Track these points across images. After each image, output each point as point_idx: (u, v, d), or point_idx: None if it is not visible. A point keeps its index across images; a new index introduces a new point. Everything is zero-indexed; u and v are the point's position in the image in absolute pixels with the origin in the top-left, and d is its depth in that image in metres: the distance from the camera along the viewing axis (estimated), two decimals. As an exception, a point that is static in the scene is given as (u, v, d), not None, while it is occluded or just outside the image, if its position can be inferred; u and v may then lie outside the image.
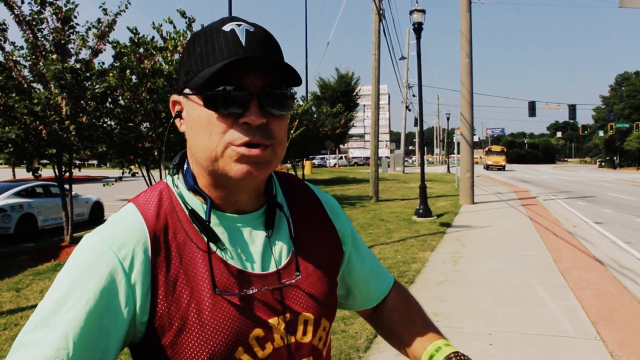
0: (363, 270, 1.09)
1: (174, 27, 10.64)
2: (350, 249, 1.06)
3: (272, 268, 0.89)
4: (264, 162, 0.82)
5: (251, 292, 0.85)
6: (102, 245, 0.80)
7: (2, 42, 8.28)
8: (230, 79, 0.78)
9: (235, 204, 0.89)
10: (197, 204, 0.88)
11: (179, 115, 0.87)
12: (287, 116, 0.86)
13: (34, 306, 5.64)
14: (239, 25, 0.81)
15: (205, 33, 0.82)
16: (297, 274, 0.90)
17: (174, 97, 0.88)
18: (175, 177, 0.91)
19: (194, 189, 0.88)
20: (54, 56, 8.05)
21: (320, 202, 1.05)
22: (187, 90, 0.83)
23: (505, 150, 64.64)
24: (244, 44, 0.79)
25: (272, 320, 0.86)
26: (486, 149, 67.07)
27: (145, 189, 0.92)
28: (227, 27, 0.81)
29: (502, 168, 58.76)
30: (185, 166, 0.91)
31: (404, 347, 1.09)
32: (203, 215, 0.86)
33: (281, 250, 0.92)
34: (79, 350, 0.73)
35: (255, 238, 0.90)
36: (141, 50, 9.42)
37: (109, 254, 0.79)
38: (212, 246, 0.85)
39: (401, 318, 1.11)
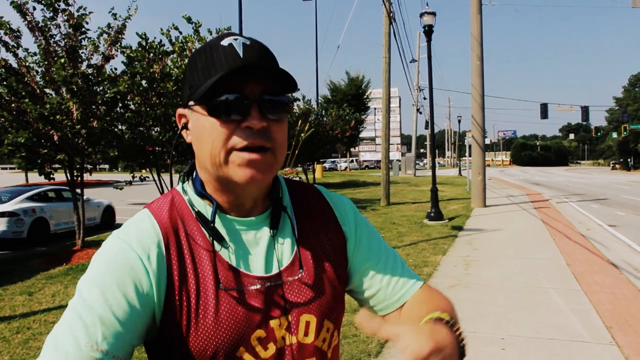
0: (380, 273, 1.04)
1: (180, 32, 10.77)
2: (355, 250, 1.04)
3: (275, 269, 0.93)
4: (265, 167, 0.86)
5: (253, 288, 0.89)
6: (121, 244, 0.86)
7: (15, 49, 8.36)
8: (231, 89, 0.84)
9: (241, 208, 0.95)
10: (204, 207, 0.93)
11: (185, 127, 0.93)
12: (285, 120, 0.91)
13: (47, 310, 5.69)
14: (236, 40, 0.87)
15: (205, 49, 0.88)
16: (300, 270, 0.94)
17: (180, 110, 0.93)
18: (185, 184, 0.98)
19: (201, 193, 0.94)
20: (62, 60, 8.11)
21: (328, 203, 1.06)
22: (191, 103, 0.89)
23: None
24: (241, 55, 0.84)
25: (274, 322, 0.89)
26: None
27: (159, 196, 0.99)
28: (225, 42, 0.86)
29: None
30: (195, 174, 0.97)
31: None
32: (209, 218, 0.91)
33: (284, 252, 0.95)
34: (107, 337, 0.78)
35: (260, 240, 0.94)
36: (150, 55, 9.50)
37: (128, 251, 0.85)
38: (217, 246, 0.90)
39: (415, 306, 1.00)
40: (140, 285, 0.83)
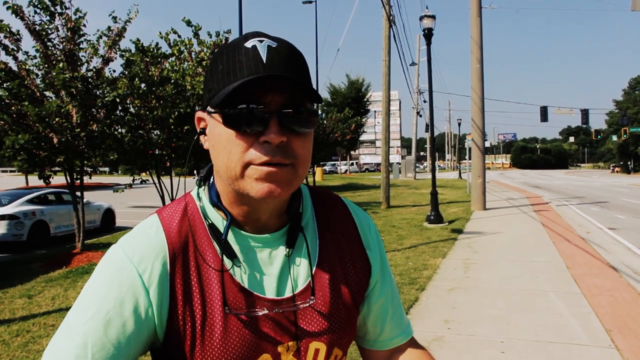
0: (384, 305, 1.02)
1: (179, 36, 10.86)
2: (378, 279, 1.00)
3: (288, 292, 0.88)
4: (284, 181, 0.79)
5: (260, 313, 0.85)
6: (123, 258, 0.82)
7: (15, 52, 8.37)
8: (251, 97, 0.77)
9: (257, 222, 0.89)
10: (218, 220, 0.88)
11: (203, 132, 0.86)
12: (310, 134, 0.83)
13: (46, 313, 5.69)
14: (261, 41, 0.79)
15: (227, 50, 0.80)
16: (312, 297, 0.88)
17: (199, 113, 0.87)
18: (201, 189, 0.92)
19: (216, 204, 0.88)
20: (61, 64, 8.12)
21: (355, 223, 1.01)
22: (209, 108, 0.82)
23: None
24: (264, 61, 0.77)
25: (281, 347, 0.86)
26: None
27: (172, 201, 0.94)
28: (249, 44, 0.78)
29: None
30: (212, 180, 0.91)
31: None
32: (222, 231, 0.87)
33: (300, 274, 0.90)
34: (98, 358, 0.75)
35: (274, 259, 0.89)
36: (147, 58, 9.55)
37: (129, 267, 0.81)
38: (228, 264, 0.85)
39: None
40: (138, 304, 0.80)
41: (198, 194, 0.92)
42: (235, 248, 0.87)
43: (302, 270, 0.90)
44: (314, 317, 0.89)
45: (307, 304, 0.88)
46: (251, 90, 0.76)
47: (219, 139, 0.80)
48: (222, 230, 0.87)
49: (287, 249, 0.89)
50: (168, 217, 0.88)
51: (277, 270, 0.88)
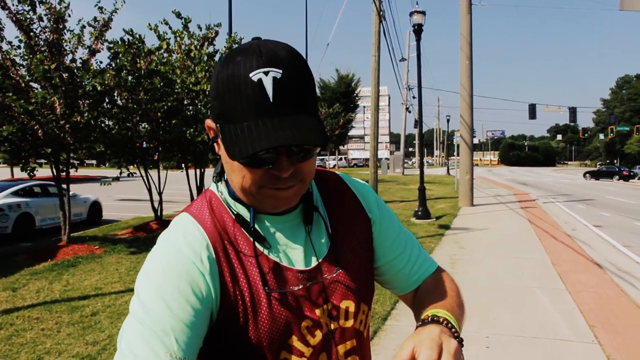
0: (397, 254, 1.11)
1: (170, 27, 10.78)
2: (379, 232, 1.09)
3: (314, 262, 0.97)
4: (293, 196, 0.89)
5: (298, 281, 0.94)
6: (172, 251, 0.88)
7: (-1, 41, 8.24)
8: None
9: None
10: (242, 209, 0.96)
11: (215, 140, 0.91)
12: (315, 154, 0.88)
13: (30, 306, 5.63)
14: (267, 73, 0.78)
15: (232, 74, 0.80)
16: (338, 268, 0.98)
17: (209, 122, 0.90)
18: (219, 184, 1.00)
19: (237, 199, 0.96)
20: (38, 56, 7.99)
21: (353, 192, 1.10)
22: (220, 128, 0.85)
23: None
24: (272, 99, 0.78)
25: (319, 311, 0.95)
26: None
27: (196, 198, 1.02)
28: (254, 76, 0.78)
29: None
30: (226, 176, 0.96)
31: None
32: (248, 219, 0.94)
33: (320, 244, 1.00)
34: (181, 344, 0.79)
35: (296, 235, 0.98)
36: (133, 50, 9.48)
37: (180, 256, 0.87)
38: (259, 247, 0.93)
39: (424, 295, 1.10)
40: (199, 287, 0.85)
41: (218, 188, 0.99)
42: (263, 231, 0.95)
43: (322, 241, 1.00)
44: (339, 285, 0.99)
45: (334, 275, 0.98)
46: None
47: (232, 163, 0.86)
48: (247, 217, 0.94)
49: (307, 226, 0.99)
50: (198, 212, 0.95)
51: (301, 245, 0.97)
